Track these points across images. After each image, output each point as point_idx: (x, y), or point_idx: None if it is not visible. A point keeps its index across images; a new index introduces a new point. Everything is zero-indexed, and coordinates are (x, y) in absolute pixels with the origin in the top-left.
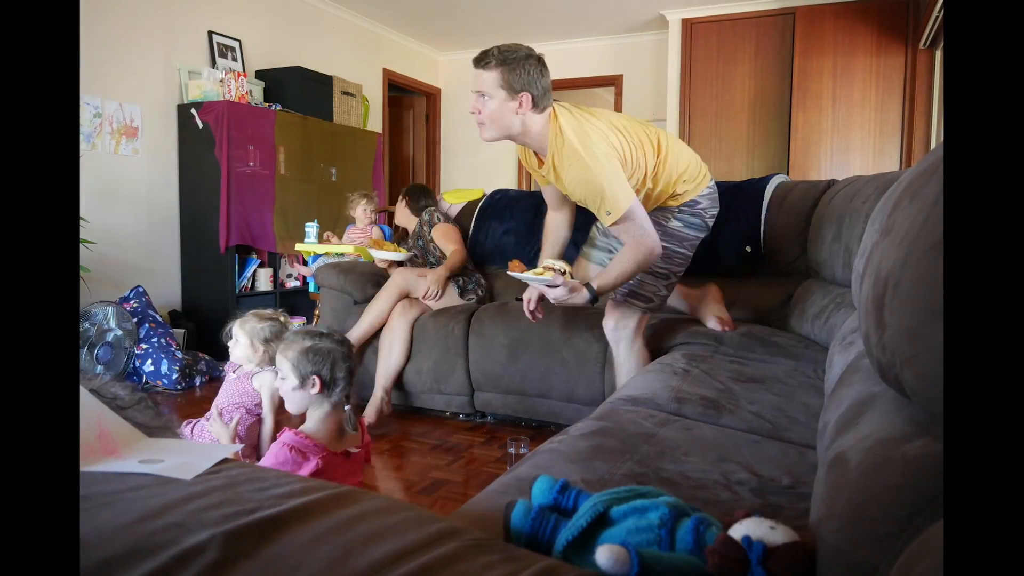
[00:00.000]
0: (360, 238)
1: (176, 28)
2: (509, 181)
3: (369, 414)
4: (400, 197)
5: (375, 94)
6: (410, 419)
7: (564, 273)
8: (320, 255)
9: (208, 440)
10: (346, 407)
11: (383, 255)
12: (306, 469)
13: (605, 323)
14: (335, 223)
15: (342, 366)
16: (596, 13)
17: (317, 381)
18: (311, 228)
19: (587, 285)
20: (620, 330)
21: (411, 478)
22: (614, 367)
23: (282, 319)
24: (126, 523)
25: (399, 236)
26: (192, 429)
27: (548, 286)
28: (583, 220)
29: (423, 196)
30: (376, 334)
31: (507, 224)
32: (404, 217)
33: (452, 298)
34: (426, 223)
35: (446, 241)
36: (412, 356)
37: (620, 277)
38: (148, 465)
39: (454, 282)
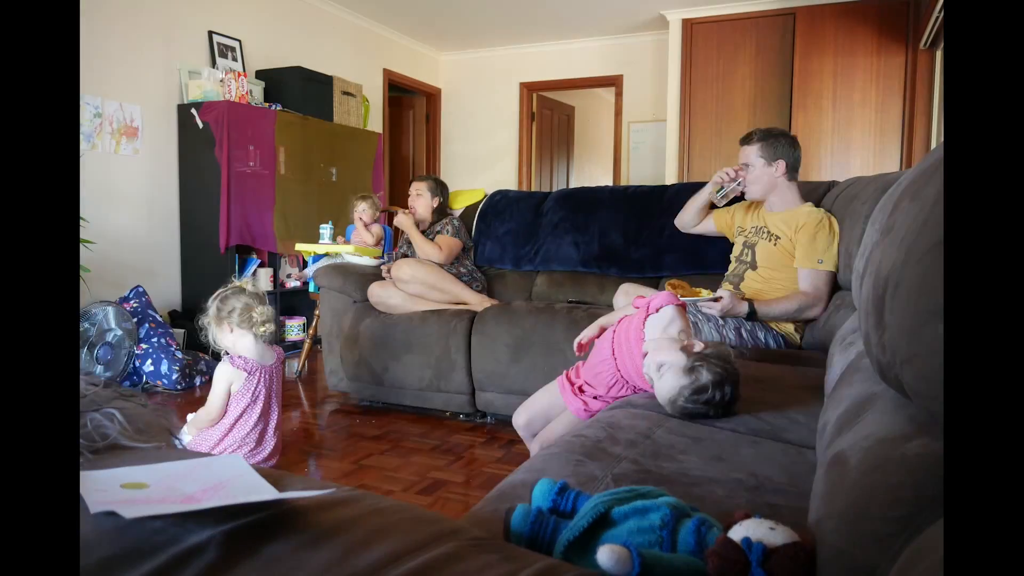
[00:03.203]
0: (363, 239)
1: (176, 28)
2: (509, 182)
3: None
4: (425, 182)
5: (375, 94)
6: (410, 419)
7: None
8: (321, 255)
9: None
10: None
11: (360, 260)
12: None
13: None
14: (335, 224)
15: None
16: (596, 13)
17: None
18: (325, 229)
19: (749, 301)
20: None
21: (411, 478)
22: None
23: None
24: (126, 523)
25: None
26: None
27: (713, 300)
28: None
29: (446, 198)
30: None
31: (508, 225)
32: (424, 205)
33: (464, 291)
34: (445, 225)
35: (442, 243)
36: (413, 353)
37: (779, 310)
38: (129, 491)
39: (454, 272)
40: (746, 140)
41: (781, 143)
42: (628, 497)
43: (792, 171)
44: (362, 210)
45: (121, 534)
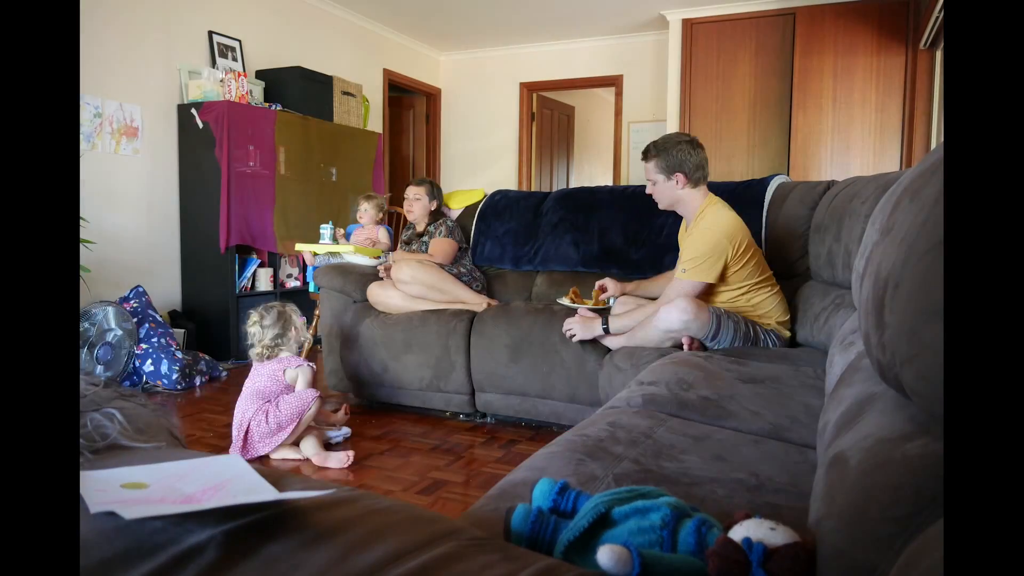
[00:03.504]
0: (364, 239)
1: (176, 28)
2: (509, 181)
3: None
4: (423, 186)
5: (375, 94)
6: (410, 419)
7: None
8: (321, 255)
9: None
10: None
11: (359, 260)
12: None
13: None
14: (335, 223)
15: None
16: (596, 13)
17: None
18: (326, 229)
19: (605, 317)
20: None
21: (411, 478)
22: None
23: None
24: (126, 523)
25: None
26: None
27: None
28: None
29: (441, 200)
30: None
31: (507, 225)
32: (422, 209)
33: (464, 291)
34: (439, 226)
35: (436, 249)
36: (413, 353)
37: (630, 322)
38: (131, 492)
39: (453, 272)
40: (644, 156)
41: (679, 150)
42: (629, 497)
43: (695, 172)
44: (364, 210)
45: (121, 534)
